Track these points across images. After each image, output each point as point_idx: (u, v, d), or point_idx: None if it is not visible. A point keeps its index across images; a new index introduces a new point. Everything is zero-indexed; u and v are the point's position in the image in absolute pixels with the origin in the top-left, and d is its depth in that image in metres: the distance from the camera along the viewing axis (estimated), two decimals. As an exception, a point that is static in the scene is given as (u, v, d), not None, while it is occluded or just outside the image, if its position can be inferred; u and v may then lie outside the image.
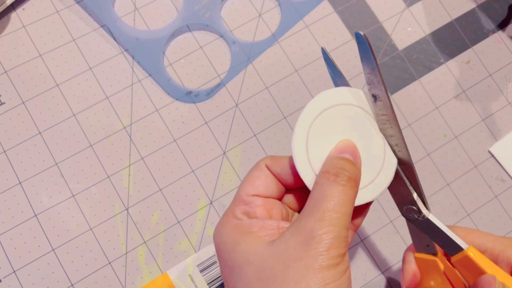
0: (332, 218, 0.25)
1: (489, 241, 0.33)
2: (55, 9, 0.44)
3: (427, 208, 0.32)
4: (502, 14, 0.49)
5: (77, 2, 0.44)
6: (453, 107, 0.46)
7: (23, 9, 0.44)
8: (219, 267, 0.40)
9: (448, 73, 0.47)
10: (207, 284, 0.39)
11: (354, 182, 0.27)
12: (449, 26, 0.48)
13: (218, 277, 0.39)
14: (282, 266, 0.25)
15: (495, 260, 0.33)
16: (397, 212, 0.43)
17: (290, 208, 0.31)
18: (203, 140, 0.43)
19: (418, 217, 0.32)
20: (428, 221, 0.32)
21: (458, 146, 0.45)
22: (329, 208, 0.25)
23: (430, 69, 0.47)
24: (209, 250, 0.40)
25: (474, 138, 0.46)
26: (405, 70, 0.46)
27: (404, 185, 0.31)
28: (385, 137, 0.30)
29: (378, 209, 0.43)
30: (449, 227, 0.32)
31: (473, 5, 0.48)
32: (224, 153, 0.43)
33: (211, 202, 0.42)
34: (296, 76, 0.45)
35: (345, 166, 0.27)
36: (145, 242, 0.40)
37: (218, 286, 0.39)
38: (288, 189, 0.31)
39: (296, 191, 0.31)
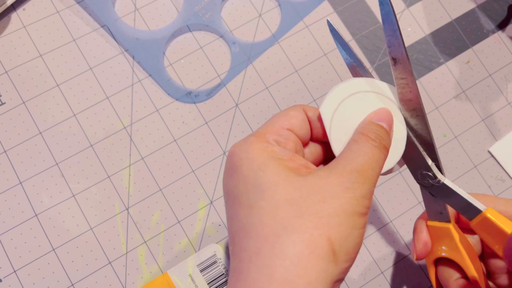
0: (368, 173, 0.27)
1: (501, 204, 0.33)
2: (56, 9, 0.44)
3: (442, 173, 0.32)
4: (502, 14, 0.49)
5: (78, 2, 0.44)
6: (453, 107, 0.46)
7: (24, 9, 0.44)
8: (219, 265, 0.40)
9: (448, 73, 0.47)
10: (207, 284, 0.39)
11: (387, 151, 0.29)
12: (449, 26, 0.48)
13: (218, 277, 0.40)
14: (318, 199, 0.25)
15: None
16: (397, 212, 0.43)
17: None
18: (203, 140, 0.43)
19: (434, 182, 0.32)
20: (444, 186, 0.31)
21: (458, 146, 0.45)
22: (368, 162, 0.27)
23: (430, 69, 0.47)
24: (209, 250, 0.40)
25: (474, 138, 0.46)
26: (405, 70, 0.46)
27: (418, 152, 0.31)
28: (403, 102, 0.30)
29: (378, 209, 0.43)
30: None
31: (473, 5, 0.48)
32: (224, 153, 0.43)
33: (211, 202, 0.42)
34: (296, 76, 0.45)
35: (383, 134, 0.29)
36: (145, 242, 0.40)
37: (218, 286, 0.39)
38: (312, 140, 0.31)
39: (318, 145, 0.32)
